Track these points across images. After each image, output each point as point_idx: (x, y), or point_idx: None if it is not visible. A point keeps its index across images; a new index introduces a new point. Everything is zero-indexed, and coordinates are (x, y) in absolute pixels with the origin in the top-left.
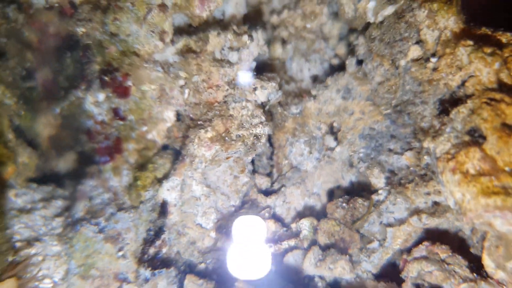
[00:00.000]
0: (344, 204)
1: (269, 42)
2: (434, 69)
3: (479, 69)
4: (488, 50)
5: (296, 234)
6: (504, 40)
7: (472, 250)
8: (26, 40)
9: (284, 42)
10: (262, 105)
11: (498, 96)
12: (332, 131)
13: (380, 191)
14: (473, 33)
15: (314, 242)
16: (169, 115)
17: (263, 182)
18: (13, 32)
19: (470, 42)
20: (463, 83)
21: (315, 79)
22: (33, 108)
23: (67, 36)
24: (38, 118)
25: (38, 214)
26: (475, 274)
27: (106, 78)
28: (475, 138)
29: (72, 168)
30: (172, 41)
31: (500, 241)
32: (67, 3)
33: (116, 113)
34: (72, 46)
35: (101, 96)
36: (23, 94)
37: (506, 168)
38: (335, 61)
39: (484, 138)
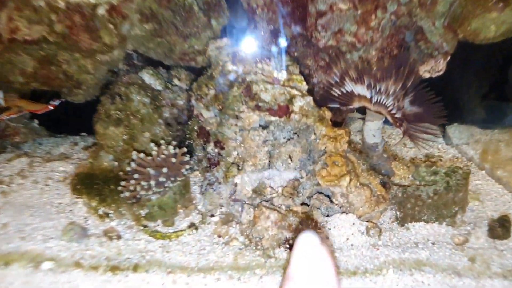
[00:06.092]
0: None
1: None
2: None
3: (328, 145)
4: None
5: None
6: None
7: None
8: None
9: None
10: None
11: (333, 153)
12: None
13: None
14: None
15: None
16: (234, 154)
17: None
18: None
19: (327, 136)
20: (324, 148)
21: None
22: None
23: None
24: None
25: None
26: None
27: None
28: (324, 165)
29: None
30: None
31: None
32: None
33: (219, 153)
34: None
35: (215, 148)
36: None
37: (335, 175)
38: None
39: (327, 165)
